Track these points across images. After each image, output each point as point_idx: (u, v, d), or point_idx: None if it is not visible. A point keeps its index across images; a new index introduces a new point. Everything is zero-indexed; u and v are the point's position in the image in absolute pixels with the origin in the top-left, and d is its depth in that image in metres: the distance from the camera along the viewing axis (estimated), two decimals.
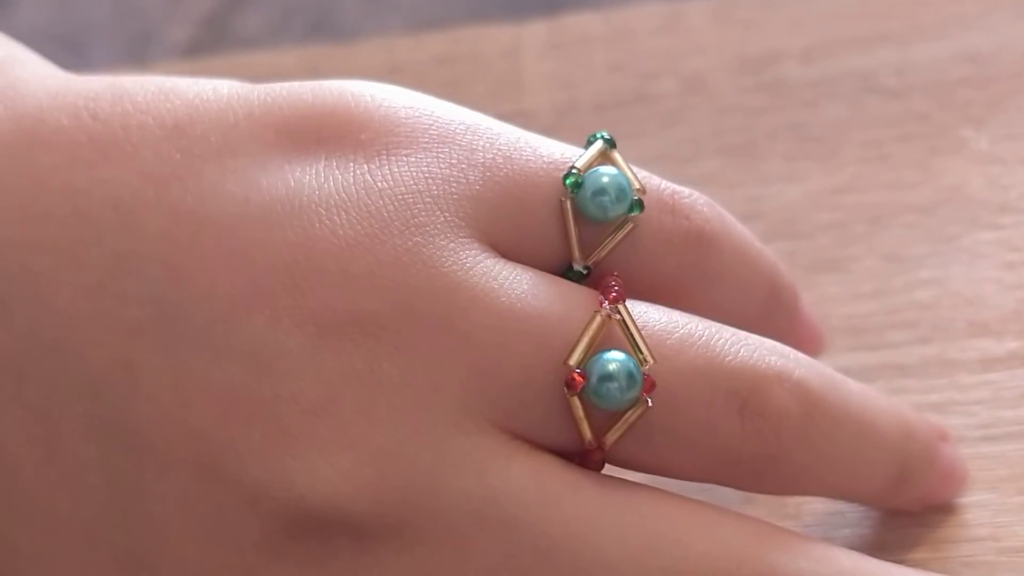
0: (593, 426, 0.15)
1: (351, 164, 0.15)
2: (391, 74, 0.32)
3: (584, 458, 0.15)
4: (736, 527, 0.15)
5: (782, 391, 0.15)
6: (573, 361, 0.15)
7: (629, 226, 0.16)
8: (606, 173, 0.16)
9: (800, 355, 0.16)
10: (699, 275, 0.17)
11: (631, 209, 0.16)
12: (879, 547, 0.18)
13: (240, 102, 0.16)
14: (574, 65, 0.30)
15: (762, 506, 0.19)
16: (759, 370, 0.15)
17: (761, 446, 0.15)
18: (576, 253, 0.16)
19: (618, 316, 0.15)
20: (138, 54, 0.38)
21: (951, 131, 0.26)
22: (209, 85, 0.16)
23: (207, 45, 0.41)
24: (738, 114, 0.27)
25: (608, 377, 0.15)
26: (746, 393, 0.15)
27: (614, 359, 0.15)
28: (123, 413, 0.15)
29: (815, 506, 0.19)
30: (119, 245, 0.15)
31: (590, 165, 0.16)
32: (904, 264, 0.23)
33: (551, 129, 0.30)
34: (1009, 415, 0.20)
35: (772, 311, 0.18)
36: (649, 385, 0.15)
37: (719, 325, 0.16)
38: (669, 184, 0.17)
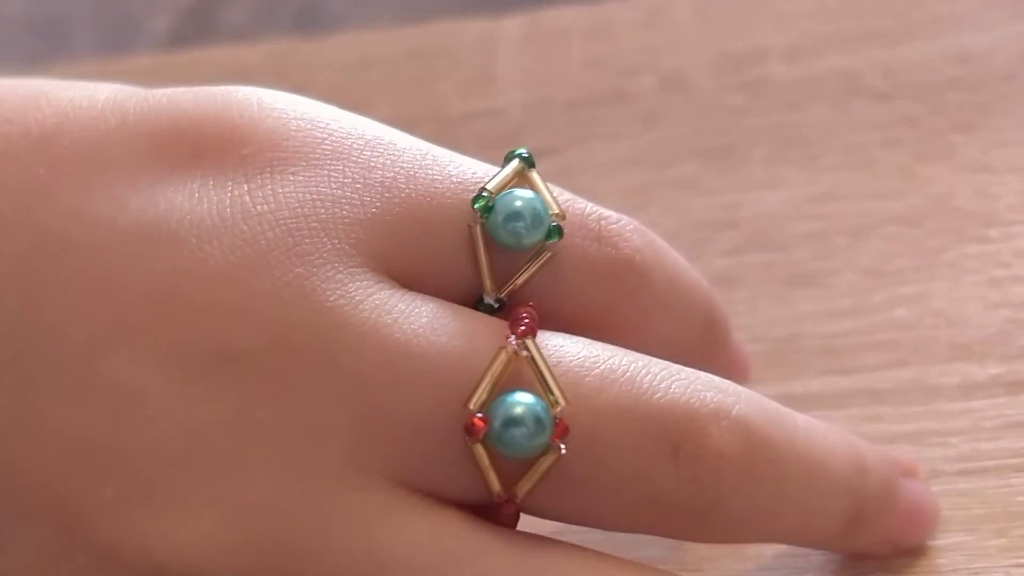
0: (502, 476, 0.14)
1: (230, 183, 0.14)
2: (361, 69, 0.31)
3: (495, 512, 0.14)
4: None
5: (720, 431, 0.14)
6: (474, 404, 0.13)
7: (547, 255, 0.15)
8: (520, 196, 0.14)
9: (740, 388, 0.15)
10: (629, 308, 0.15)
11: (548, 236, 0.15)
12: None
13: (114, 110, 0.14)
14: (550, 61, 0.29)
15: (720, 547, 0.18)
16: (693, 407, 0.14)
17: (698, 494, 0.14)
18: (488, 284, 0.14)
19: (526, 352, 0.14)
20: (119, 44, 0.37)
21: (940, 136, 0.25)
22: (86, 90, 0.15)
23: (190, 36, 0.40)
24: (718, 114, 0.26)
25: (513, 422, 0.13)
26: (679, 435, 0.14)
27: (520, 401, 0.13)
28: None
29: (777, 548, 0.18)
30: None
31: (504, 187, 0.15)
32: (884, 279, 0.22)
33: (519, 128, 0.29)
34: (989, 447, 0.19)
35: (707, 345, 0.17)
36: (561, 430, 0.14)
37: (647, 358, 0.14)
38: (596, 208, 0.15)
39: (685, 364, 0.15)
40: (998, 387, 0.19)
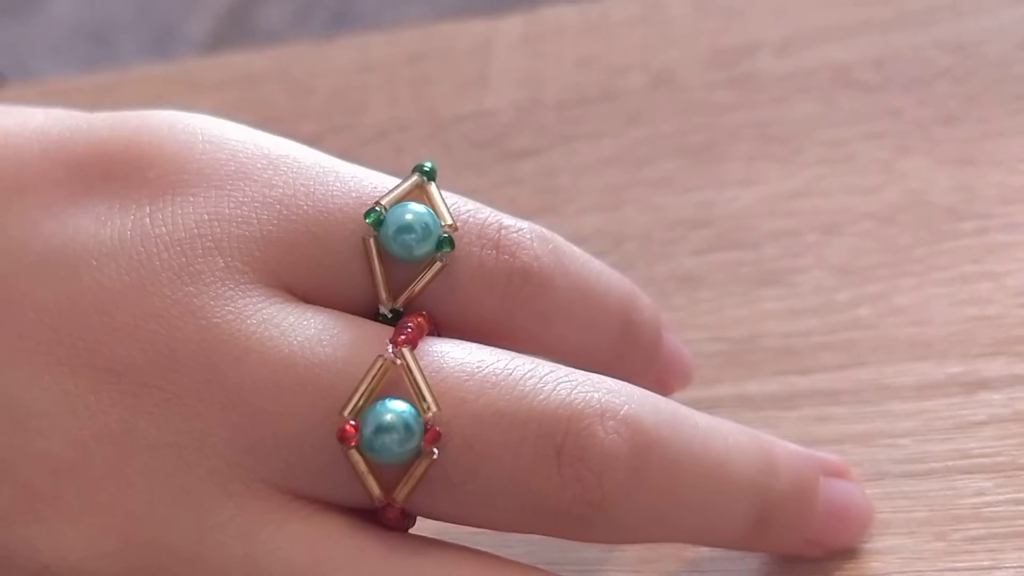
0: (381, 481, 0.14)
1: (133, 206, 0.15)
2: (361, 72, 0.32)
3: (380, 515, 0.14)
4: None
5: (606, 431, 0.14)
6: (348, 412, 0.14)
7: (438, 265, 0.15)
8: (412, 210, 0.15)
9: (634, 389, 0.15)
10: (528, 315, 0.15)
11: (439, 247, 0.15)
12: None
13: (40, 137, 0.15)
14: (544, 60, 0.29)
15: (659, 546, 0.18)
16: (577, 408, 0.14)
17: (582, 495, 0.14)
18: (383, 294, 0.15)
19: (401, 360, 0.14)
20: (162, 47, 0.38)
21: (923, 128, 0.24)
22: (21, 116, 0.16)
23: (228, 38, 0.41)
24: (703, 111, 0.26)
25: (383, 428, 0.14)
26: (561, 436, 0.14)
27: (391, 409, 0.14)
28: None
29: (715, 550, 0.18)
30: None
31: (398, 199, 0.15)
32: (852, 277, 0.22)
33: (507, 130, 0.29)
34: (937, 449, 0.18)
35: (626, 351, 0.17)
36: (432, 435, 0.14)
37: (536, 361, 0.15)
38: (498, 216, 0.16)
39: (600, 369, 0.15)
40: (954, 387, 0.19)
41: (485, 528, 0.15)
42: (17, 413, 0.14)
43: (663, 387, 0.17)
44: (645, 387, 0.15)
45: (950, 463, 0.18)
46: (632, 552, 0.18)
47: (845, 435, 0.19)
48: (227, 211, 0.15)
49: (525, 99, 0.28)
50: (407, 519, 0.14)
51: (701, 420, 0.15)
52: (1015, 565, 0.16)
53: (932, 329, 0.20)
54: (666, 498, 0.15)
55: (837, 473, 0.17)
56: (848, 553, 0.17)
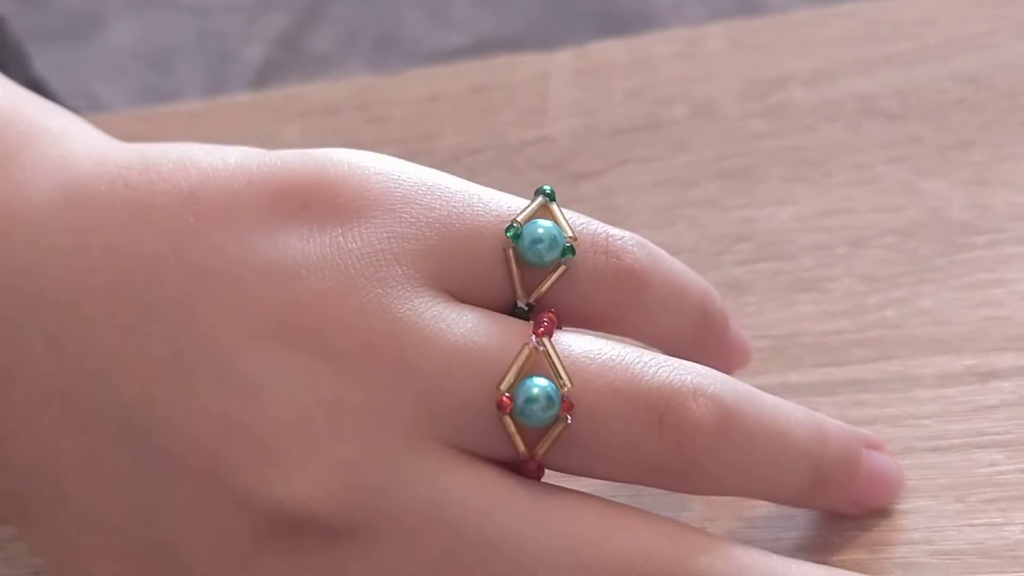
0: (526, 440, 0.18)
1: (328, 228, 0.18)
2: (431, 102, 0.35)
3: (522, 468, 0.18)
4: (649, 528, 0.17)
5: (697, 405, 0.18)
6: (503, 386, 0.18)
7: (562, 268, 0.19)
8: (541, 225, 0.19)
9: (717, 373, 0.18)
10: (632, 306, 0.19)
11: (563, 254, 0.19)
12: (823, 547, 0.20)
13: (242, 171, 0.19)
14: (595, 91, 0.32)
15: (722, 507, 0.21)
16: (674, 387, 0.18)
17: (679, 456, 0.18)
18: (519, 292, 0.19)
19: (543, 348, 0.18)
20: (218, 72, 0.42)
21: (941, 153, 0.27)
22: (219, 153, 0.19)
23: (281, 62, 0.44)
24: (741, 138, 0.29)
25: (531, 400, 0.17)
26: (662, 409, 0.18)
27: (536, 384, 0.18)
28: (147, 432, 0.18)
29: (768, 509, 0.21)
30: (146, 295, 0.18)
31: (530, 217, 0.19)
32: (879, 284, 0.25)
33: (568, 154, 0.33)
34: (956, 428, 0.21)
35: (703, 334, 0.20)
36: (567, 406, 0.18)
37: (641, 350, 0.18)
38: (606, 228, 0.19)
39: (683, 349, 0.19)
40: (970, 376, 0.22)
41: (602, 479, 0.18)
42: (252, 387, 0.17)
43: (728, 367, 0.21)
44: (716, 368, 0.19)
45: (967, 440, 0.21)
46: (698, 512, 0.21)
47: (876, 417, 0.22)
48: (400, 230, 0.18)
49: (581, 126, 0.31)
50: (540, 471, 0.18)
51: (768, 399, 0.19)
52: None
53: (950, 328, 0.23)
54: (742, 457, 0.18)
55: (874, 446, 0.20)
56: (883, 513, 0.20)
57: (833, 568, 0.18)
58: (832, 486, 0.19)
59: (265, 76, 0.42)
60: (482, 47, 0.40)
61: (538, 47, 0.37)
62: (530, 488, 0.18)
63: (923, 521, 0.20)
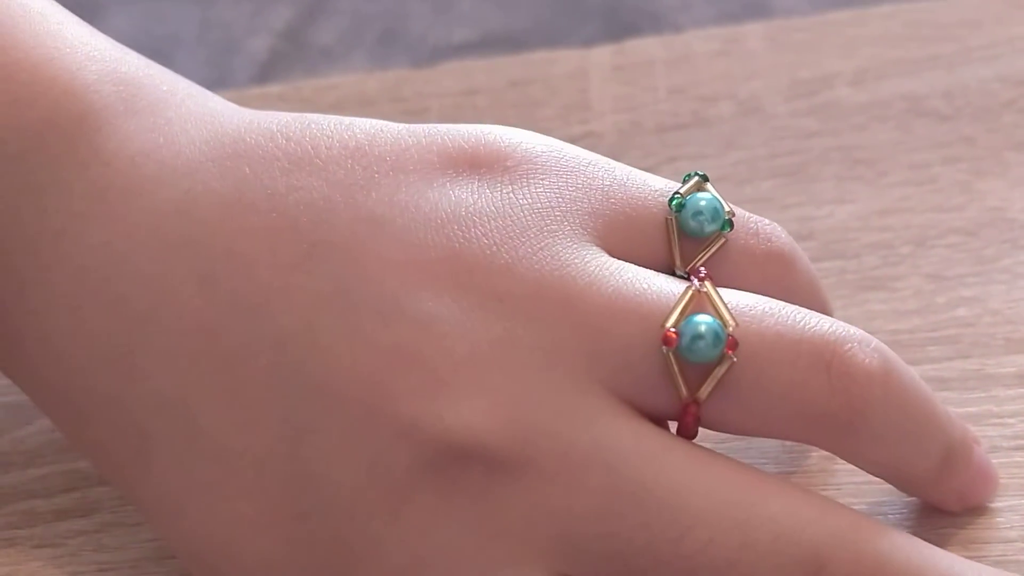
0: (687, 383, 0.18)
1: (499, 184, 0.19)
2: (469, 96, 0.35)
3: (681, 416, 0.18)
4: (806, 499, 0.17)
5: (865, 354, 0.18)
6: (670, 323, 0.18)
7: (721, 241, 0.19)
8: (703, 197, 0.20)
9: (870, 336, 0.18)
10: (778, 288, 0.19)
11: (723, 227, 0.19)
12: None
13: (408, 133, 0.19)
14: (638, 88, 0.32)
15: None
16: (840, 335, 0.18)
17: (847, 403, 0.17)
18: (678, 261, 0.19)
19: (705, 290, 0.18)
20: (221, 63, 0.41)
21: (996, 154, 0.27)
22: (380, 123, 0.20)
23: (285, 54, 0.43)
24: (791, 137, 0.29)
25: (698, 336, 0.17)
26: (830, 355, 0.18)
27: (703, 321, 0.18)
28: (302, 363, 0.18)
29: (860, 506, 0.21)
30: (311, 236, 0.18)
31: (689, 192, 0.20)
32: (946, 283, 0.25)
33: (617, 150, 0.32)
34: None
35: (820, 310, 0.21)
36: (732, 343, 0.18)
37: (801, 308, 0.18)
38: (753, 215, 0.20)
39: None
40: None
41: (758, 434, 0.18)
42: (425, 319, 0.17)
43: None
44: None
45: None
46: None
47: (959, 416, 0.22)
48: (568, 193, 0.19)
49: (626, 122, 0.31)
50: (696, 426, 0.18)
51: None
52: None
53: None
54: (901, 415, 0.18)
55: (975, 441, 0.20)
56: (975, 511, 0.20)
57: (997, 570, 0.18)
58: (954, 472, 0.19)
59: (270, 68, 0.41)
60: (488, 43, 0.40)
61: (545, 43, 0.37)
62: (687, 445, 0.18)
63: (1017, 519, 0.20)
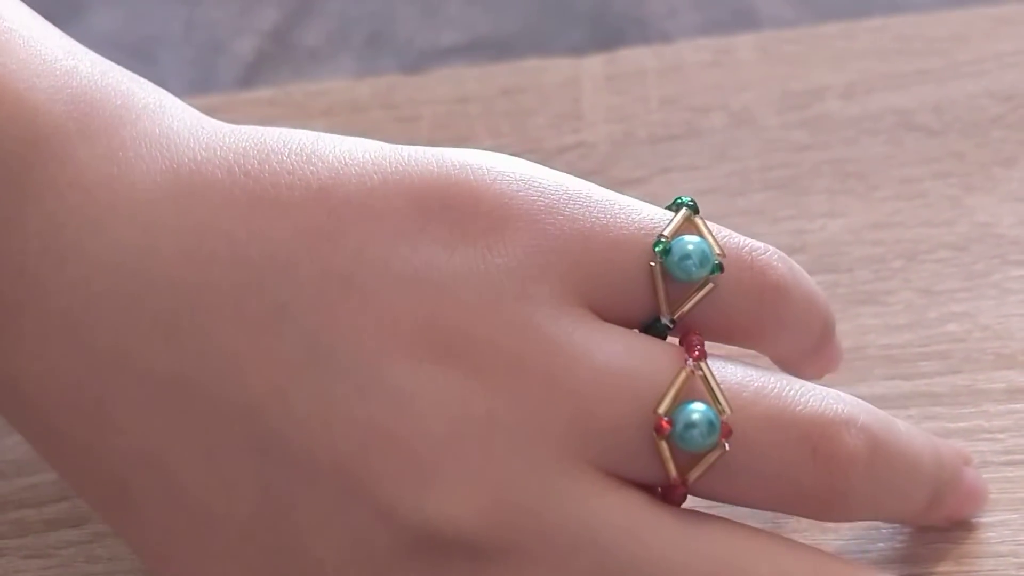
0: (678, 465, 0.17)
1: (471, 237, 0.18)
2: (460, 103, 0.35)
3: (668, 493, 0.18)
4: (795, 556, 0.17)
5: (850, 436, 0.18)
6: (662, 410, 0.17)
7: (710, 286, 0.18)
8: (691, 241, 0.18)
9: (859, 400, 0.18)
10: (772, 322, 0.19)
11: (713, 271, 0.18)
12: (912, 560, 0.20)
13: (375, 168, 0.18)
14: (629, 98, 0.32)
15: (806, 520, 0.21)
16: (828, 417, 0.18)
17: (830, 486, 0.18)
18: (664, 309, 0.18)
19: (700, 372, 0.18)
20: (206, 64, 0.40)
21: (985, 169, 0.28)
22: (345, 147, 0.18)
23: (272, 56, 0.43)
24: (783, 149, 0.29)
25: (692, 425, 0.17)
26: (817, 437, 0.18)
27: (697, 409, 0.17)
28: (277, 434, 0.17)
29: (852, 523, 0.21)
30: (278, 294, 0.17)
31: (676, 232, 0.18)
32: (937, 298, 0.25)
33: (608, 161, 0.33)
34: None
35: (821, 347, 0.20)
36: (727, 432, 0.17)
37: (789, 378, 0.18)
38: (749, 242, 0.19)
39: (799, 361, 0.19)
40: None
41: (746, 506, 0.18)
42: (400, 398, 0.17)
43: (820, 373, 0.21)
44: (811, 374, 0.19)
45: None
46: (784, 524, 0.21)
47: (950, 431, 0.22)
48: (545, 243, 0.18)
49: (619, 132, 0.31)
50: (684, 497, 0.18)
51: (900, 424, 0.19)
52: None
53: (1014, 343, 0.24)
54: (882, 487, 0.18)
55: (966, 461, 0.20)
56: (967, 526, 0.21)
57: None
58: (942, 505, 0.20)
59: (256, 69, 0.41)
60: (476, 47, 0.40)
61: (533, 48, 0.37)
62: (676, 513, 0.17)
63: (1008, 534, 0.20)
